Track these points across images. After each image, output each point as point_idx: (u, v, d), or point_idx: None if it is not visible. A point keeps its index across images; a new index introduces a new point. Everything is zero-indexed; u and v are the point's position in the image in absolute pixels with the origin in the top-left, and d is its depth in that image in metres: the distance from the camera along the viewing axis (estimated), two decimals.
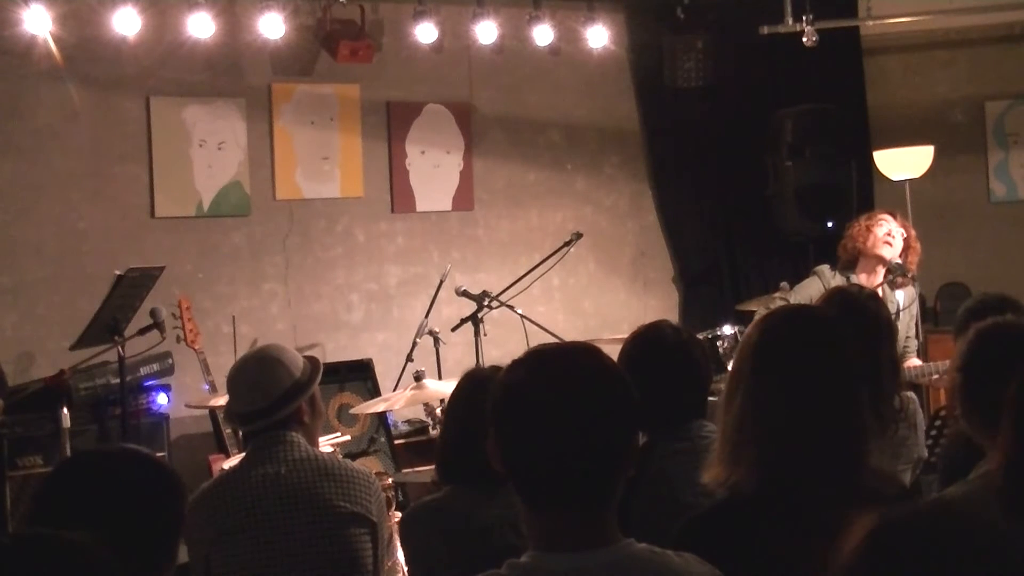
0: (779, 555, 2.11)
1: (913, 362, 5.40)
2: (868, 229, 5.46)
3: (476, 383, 3.00)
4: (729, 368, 6.02)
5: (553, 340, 5.40)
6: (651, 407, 2.04)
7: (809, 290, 5.49)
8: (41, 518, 2.07)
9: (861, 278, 5.45)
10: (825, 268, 5.60)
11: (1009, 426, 2.30)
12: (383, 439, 6.51)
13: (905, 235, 5.48)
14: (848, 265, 5.55)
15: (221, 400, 4.88)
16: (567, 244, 6.48)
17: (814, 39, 7.07)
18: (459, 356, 6.57)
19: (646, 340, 3.09)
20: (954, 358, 2.68)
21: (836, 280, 5.46)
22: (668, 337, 3.07)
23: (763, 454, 2.20)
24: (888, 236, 5.43)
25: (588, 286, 7.80)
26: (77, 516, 1.99)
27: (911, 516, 1.49)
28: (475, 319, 6.11)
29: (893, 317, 4.95)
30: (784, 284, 5.84)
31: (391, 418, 6.64)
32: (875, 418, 2.58)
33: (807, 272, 5.80)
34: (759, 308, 5.90)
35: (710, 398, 3.16)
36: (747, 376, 2.28)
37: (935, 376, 5.10)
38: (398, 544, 3.83)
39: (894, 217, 5.53)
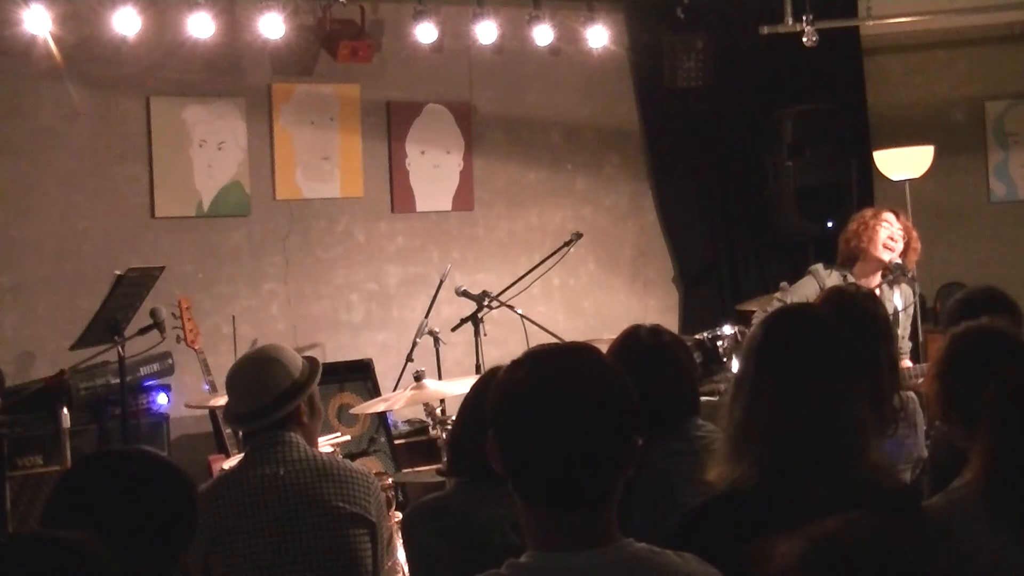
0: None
1: (904, 364, 5.39)
2: (872, 229, 5.42)
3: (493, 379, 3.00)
4: (730, 368, 6.03)
5: (553, 340, 5.40)
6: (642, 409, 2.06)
7: (805, 290, 5.49)
8: (56, 517, 2.07)
9: (859, 277, 5.43)
10: (819, 267, 5.61)
11: (987, 431, 2.31)
12: (383, 439, 6.51)
13: (906, 236, 5.47)
14: (847, 261, 5.54)
15: (221, 400, 4.88)
16: (567, 244, 6.48)
17: (814, 39, 7.08)
18: (459, 356, 6.57)
19: (623, 346, 3.11)
20: (932, 363, 2.69)
21: (832, 278, 5.46)
22: (645, 340, 3.09)
23: (764, 451, 2.23)
24: (890, 240, 5.41)
25: (588, 286, 7.79)
26: (92, 515, 2.00)
27: (837, 537, 1.48)
28: (475, 319, 6.11)
29: (891, 317, 4.96)
30: (784, 284, 5.84)
31: (391, 418, 6.64)
32: (874, 417, 2.59)
33: (807, 272, 5.80)
34: (758, 308, 5.90)
35: (708, 398, 3.17)
36: (751, 375, 2.33)
37: (919, 380, 5.06)
38: (398, 544, 3.83)
39: (897, 217, 5.49)
